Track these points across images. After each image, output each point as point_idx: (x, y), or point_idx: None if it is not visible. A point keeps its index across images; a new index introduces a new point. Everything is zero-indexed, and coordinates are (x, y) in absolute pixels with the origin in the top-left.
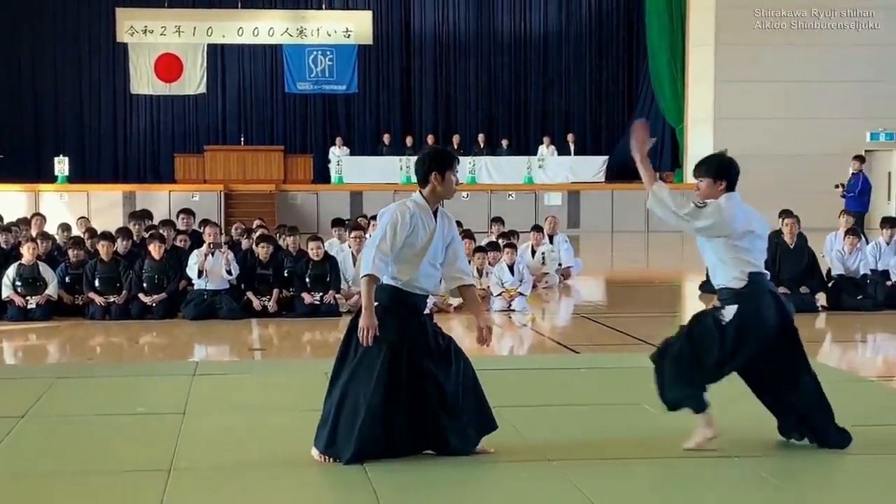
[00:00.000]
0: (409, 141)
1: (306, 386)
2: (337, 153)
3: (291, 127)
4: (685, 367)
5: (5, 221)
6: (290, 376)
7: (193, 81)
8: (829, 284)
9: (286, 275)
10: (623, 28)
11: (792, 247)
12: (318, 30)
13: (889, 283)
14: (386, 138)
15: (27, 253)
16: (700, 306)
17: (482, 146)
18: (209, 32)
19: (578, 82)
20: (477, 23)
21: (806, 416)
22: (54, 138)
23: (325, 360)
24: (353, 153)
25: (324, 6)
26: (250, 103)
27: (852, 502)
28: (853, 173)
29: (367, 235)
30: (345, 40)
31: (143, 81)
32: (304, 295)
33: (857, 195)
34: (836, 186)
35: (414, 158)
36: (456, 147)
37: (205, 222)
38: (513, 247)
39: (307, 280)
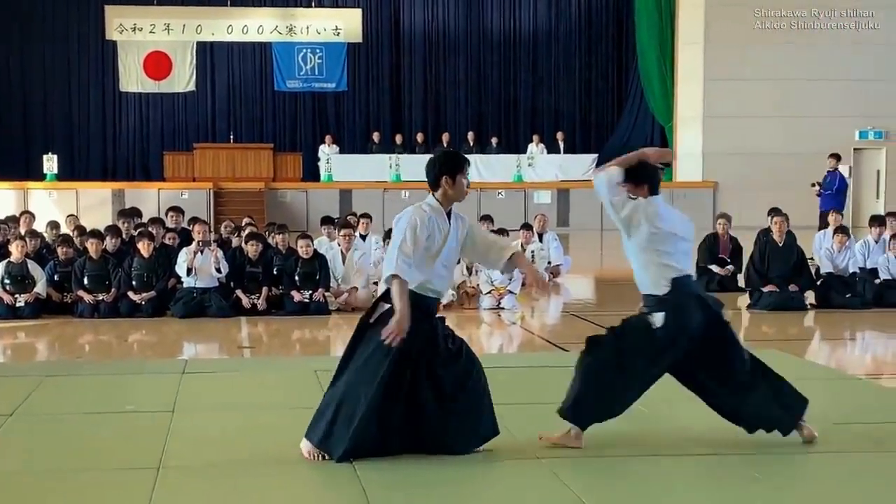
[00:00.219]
0: (398, 139)
1: (295, 384)
2: (326, 151)
3: (281, 125)
4: (609, 378)
5: None
6: (280, 374)
7: (183, 79)
8: (818, 282)
9: (275, 273)
10: (612, 26)
11: (781, 245)
12: (307, 28)
13: (877, 281)
14: (375, 136)
15: (16, 251)
16: None
17: (471, 144)
18: (198, 30)
19: (568, 80)
20: (466, 21)
21: (743, 405)
22: (43, 136)
23: (315, 358)
24: (342, 151)
25: (313, 4)
26: (240, 101)
27: (840, 500)
28: (829, 171)
29: (357, 234)
30: (334, 38)
31: (133, 79)
32: (294, 293)
33: (835, 193)
34: (813, 185)
35: (403, 157)
36: (445, 146)
37: (194, 220)
38: None
39: (296, 278)
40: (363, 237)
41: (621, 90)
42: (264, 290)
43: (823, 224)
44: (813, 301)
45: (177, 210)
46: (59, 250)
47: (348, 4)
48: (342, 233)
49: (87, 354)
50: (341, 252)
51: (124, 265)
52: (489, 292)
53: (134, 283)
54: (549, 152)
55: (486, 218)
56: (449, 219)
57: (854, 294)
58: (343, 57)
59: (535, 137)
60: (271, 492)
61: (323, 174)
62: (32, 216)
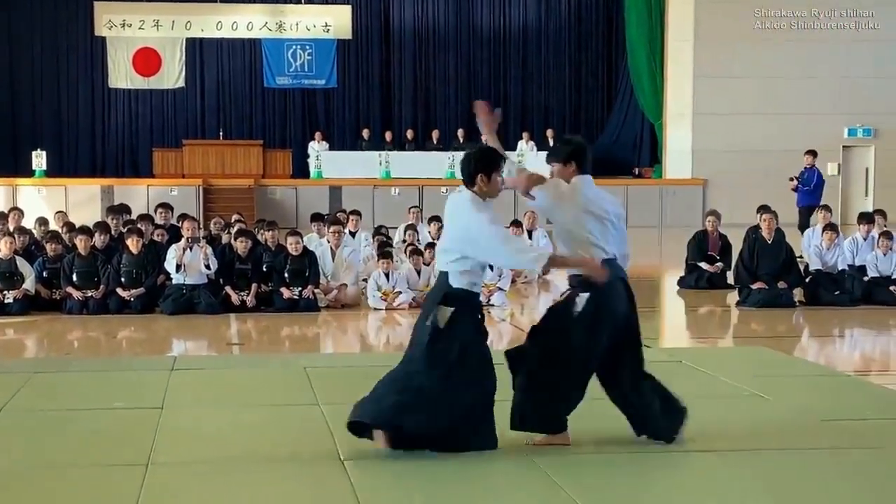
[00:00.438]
0: (388, 136)
1: (285, 381)
2: (316, 148)
3: (270, 121)
4: (546, 377)
5: None
6: (269, 371)
7: (172, 75)
8: (807, 280)
9: (265, 269)
10: (602, 23)
11: (770, 242)
12: (297, 24)
13: (866, 278)
14: (365, 133)
15: (4, 247)
16: (678, 301)
17: (462, 141)
18: (188, 26)
19: (558, 77)
20: (456, 17)
21: (637, 407)
22: (32, 132)
23: (304, 355)
24: (332, 148)
25: (303, 0)
26: (229, 97)
27: (829, 497)
28: (806, 167)
29: (347, 231)
30: (324, 35)
31: (122, 75)
32: (283, 290)
33: (812, 189)
34: (791, 179)
35: (393, 154)
36: (435, 142)
37: (183, 217)
38: None
39: (286, 275)
40: (353, 234)
41: (611, 87)
42: (254, 286)
43: (803, 221)
44: (802, 298)
45: (166, 206)
46: (47, 247)
47: (338, 1)
48: (332, 229)
49: (76, 351)
50: (331, 249)
51: (113, 262)
52: None
53: (123, 279)
54: (538, 149)
55: None
56: None
57: (843, 291)
58: (333, 53)
59: (525, 135)
60: (261, 488)
61: (312, 171)
62: (21, 212)
